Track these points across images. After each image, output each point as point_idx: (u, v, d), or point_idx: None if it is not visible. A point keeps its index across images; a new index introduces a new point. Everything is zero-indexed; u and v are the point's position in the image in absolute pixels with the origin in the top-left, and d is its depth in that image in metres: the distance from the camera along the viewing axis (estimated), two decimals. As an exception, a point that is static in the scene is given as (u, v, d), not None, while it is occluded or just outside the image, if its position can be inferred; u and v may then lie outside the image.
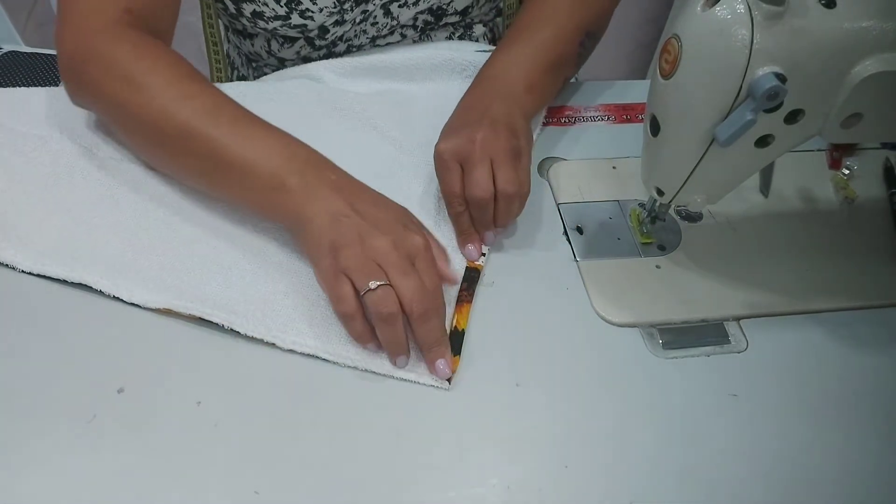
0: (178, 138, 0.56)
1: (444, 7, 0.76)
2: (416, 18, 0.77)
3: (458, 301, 0.56)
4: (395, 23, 0.75)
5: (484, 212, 0.57)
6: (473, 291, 0.57)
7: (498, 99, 0.61)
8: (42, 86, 1.07)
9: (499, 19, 0.84)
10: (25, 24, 1.87)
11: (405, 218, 0.54)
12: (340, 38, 0.75)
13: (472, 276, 0.58)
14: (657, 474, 0.48)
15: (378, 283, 0.49)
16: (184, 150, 0.56)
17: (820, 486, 0.49)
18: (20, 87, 0.68)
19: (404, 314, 0.50)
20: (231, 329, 0.52)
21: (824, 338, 0.57)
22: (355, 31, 0.74)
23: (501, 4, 0.82)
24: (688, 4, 0.47)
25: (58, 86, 1.08)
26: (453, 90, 0.72)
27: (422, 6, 0.74)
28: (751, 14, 0.44)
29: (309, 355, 0.52)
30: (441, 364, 0.51)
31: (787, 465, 0.49)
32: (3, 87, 0.68)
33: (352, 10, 0.71)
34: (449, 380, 0.51)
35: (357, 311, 0.50)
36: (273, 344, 0.52)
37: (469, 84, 0.72)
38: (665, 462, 0.49)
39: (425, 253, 0.52)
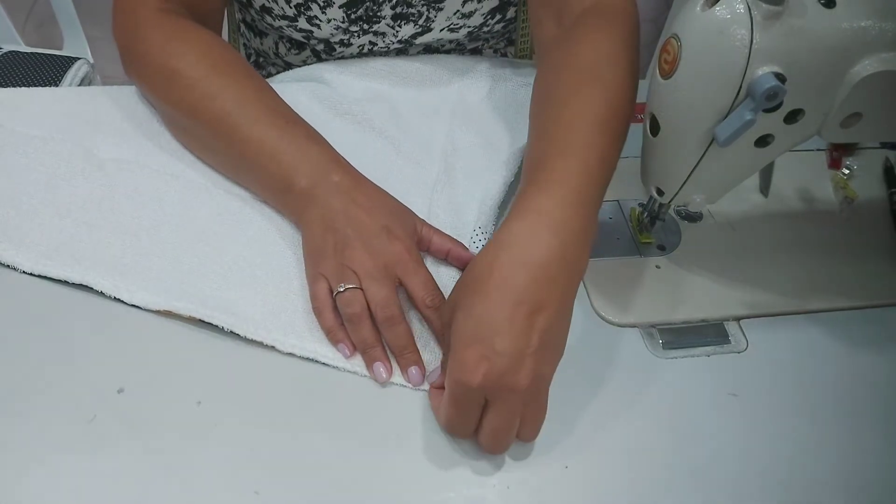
0: (203, 133, 0.60)
1: (456, 47, 0.78)
2: (425, 49, 0.78)
3: None
4: (399, 56, 0.76)
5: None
6: None
7: (532, 283, 0.44)
8: (42, 86, 1.08)
9: (510, 48, 0.84)
10: (25, 24, 1.87)
11: (396, 223, 0.54)
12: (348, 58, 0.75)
13: None
14: (657, 474, 0.48)
15: (347, 286, 0.51)
16: (209, 145, 0.61)
17: (820, 485, 0.49)
18: (20, 87, 0.68)
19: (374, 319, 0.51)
20: (231, 331, 0.52)
21: (824, 338, 0.57)
22: (362, 52, 0.75)
23: (513, 36, 0.82)
24: (687, 4, 0.47)
25: (58, 85, 1.08)
26: (452, 93, 0.72)
27: (433, 44, 0.75)
28: (750, 14, 0.44)
29: (309, 358, 0.52)
30: (413, 371, 0.51)
31: (787, 465, 0.49)
32: (3, 87, 0.68)
33: (359, 36, 0.71)
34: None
35: (326, 305, 0.52)
36: (273, 347, 0.52)
37: (467, 82, 0.72)
38: (665, 462, 0.49)
39: (406, 261, 0.52)
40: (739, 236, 0.63)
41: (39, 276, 0.54)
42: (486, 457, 0.48)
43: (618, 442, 0.50)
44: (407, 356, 0.51)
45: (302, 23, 0.70)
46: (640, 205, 0.63)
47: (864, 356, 0.56)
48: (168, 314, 0.52)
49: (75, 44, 1.22)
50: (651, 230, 0.62)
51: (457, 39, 0.75)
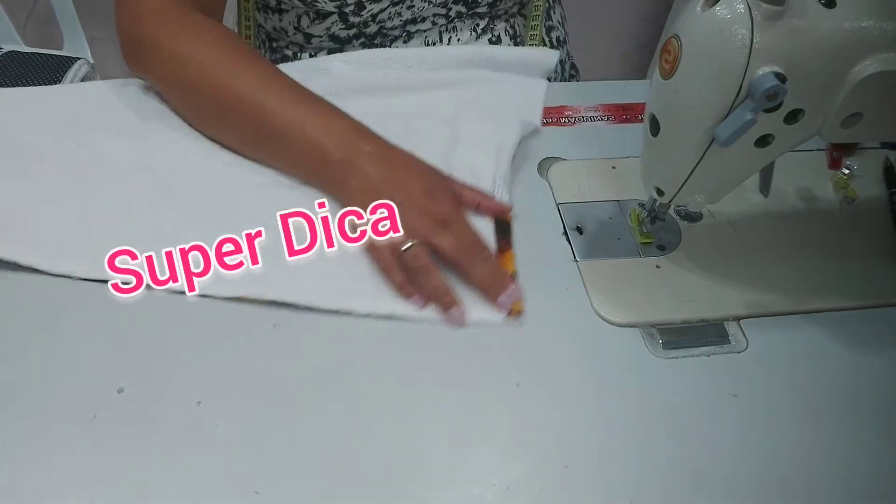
0: (225, 110, 0.61)
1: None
2: (448, 5, 0.78)
3: (499, 250, 0.58)
4: (429, 4, 0.76)
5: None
6: (510, 239, 0.60)
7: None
8: (42, 85, 1.08)
9: (520, 19, 0.84)
10: (25, 24, 1.87)
11: (437, 184, 0.58)
12: (373, 18, 0.75)
13: (504, 227, 0.60)
14: (657, 474, 0.48)
15: (410, 243, 0.54)
16: (232, 122, 0.62)
17: (819, 485, 0.49)
18: (20, 86, 0.68)
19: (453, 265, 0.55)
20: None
21: (824, 338, 0.57)
22: (389, 13, 0.75)
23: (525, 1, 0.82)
24: (688, 4, 0.47)
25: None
26: (454, 93, 0.72)
27: None
28: (751, 14, 0.44)
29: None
30: (503, 298, 0.54)
31: (787, 465, 0.49)
32: (3, 87, 0.68)
33: None
34: (520, 312, 0.55)
35: (392, 264, 0.55)
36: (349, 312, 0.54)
37: (469, 81, 0.73)
38: (665, 462, 0.49)
39: (455, 215, 0.56)
40: (739, 236, 0.63)
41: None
42: (486, 457, 0.48)
43: (618, 442, 0.50)
44: (495, 288, 0.55)
45: None
46: (640, 205, 0.63)
47: (863, 356, 0.56)
48: (242, 300, 0.54)
49: (75, 44, 1.23)
50: (651, 230, 0.62)
51: None
